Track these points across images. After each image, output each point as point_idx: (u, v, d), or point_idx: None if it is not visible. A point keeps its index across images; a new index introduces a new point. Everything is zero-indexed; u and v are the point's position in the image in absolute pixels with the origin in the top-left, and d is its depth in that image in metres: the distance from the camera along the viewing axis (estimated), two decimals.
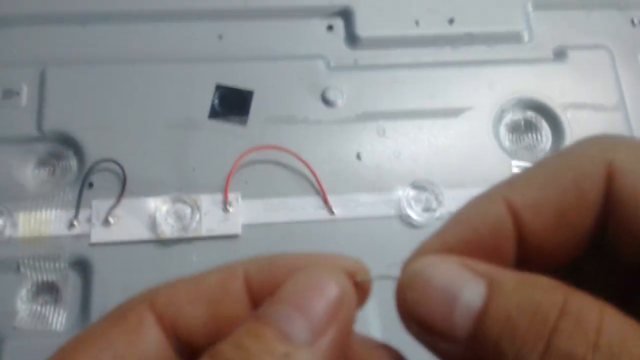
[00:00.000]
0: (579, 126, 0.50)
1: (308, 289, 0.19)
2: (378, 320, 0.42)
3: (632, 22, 0.54)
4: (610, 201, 0.19)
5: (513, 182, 0.20)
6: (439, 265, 0.18)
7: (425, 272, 0.18)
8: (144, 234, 0.43)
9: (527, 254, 0.20)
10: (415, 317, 0.18)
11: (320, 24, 0.52)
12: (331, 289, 0.18)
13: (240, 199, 0.45)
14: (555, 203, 0.19)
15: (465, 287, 0.18)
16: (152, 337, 0.19)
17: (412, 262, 0.20)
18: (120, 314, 0.20)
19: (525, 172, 0.20)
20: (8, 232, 0.42)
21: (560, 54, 0.52)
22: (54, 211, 0.43)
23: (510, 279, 0.17)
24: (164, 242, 0.43)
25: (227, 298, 0.20)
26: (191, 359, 0.20)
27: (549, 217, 0.19)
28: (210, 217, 0.44)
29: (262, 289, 0.20)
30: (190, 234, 0.43)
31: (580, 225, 0.19)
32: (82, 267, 0.42)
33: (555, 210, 0.19)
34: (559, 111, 0.50)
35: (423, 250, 0.20)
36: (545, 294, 0.17)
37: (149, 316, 0.19)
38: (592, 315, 0.16)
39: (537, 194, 0.20)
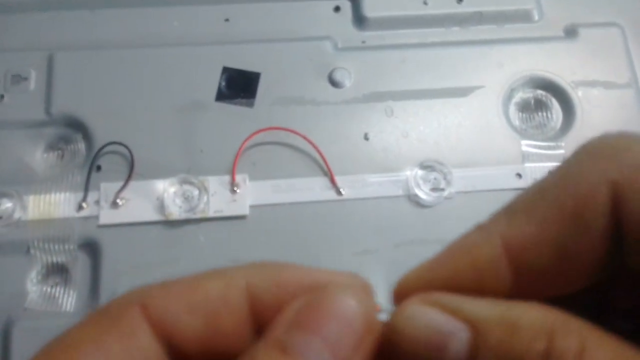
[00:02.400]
0: (589, 104, 0.49)
1: (335, 318, 0.17)
2: None
3: None
4: (620, 225, 0.18)
5: (511, 214, 0.19)
6: (422, 316, 0.18)
7: (408, 328, 0.18)
8: (152, 215, 0.43)
9: (526, 288, 0.19)
10: None
11: (327, 5, 0.52)
12: (358, 319, 0.17)
13: (247, 180, 0.45)
14: (556, 239, 0.18)
15: (450, 339, 0.17)
16: (147, 345, 0.18)
17: (396, 302, 0.19)
18: (112, 318, 0.18)
19: (524, 199, 0.19)
20: (18, 214, 0.42)
21: (571, 32, 0.52)
22: (62, 194, 0.43)
23: (496, 325, 0.17)
24: (171, 224, 0.43)
25: (226, 309, 0.19)
26: None
27: (549, 254, 0.18)
28: (218, 198, 0.44)
29: (266, 302, 0.19)
30: (198, 215, 0.43)
31: (585, 257, 0.18)
32: (91, 248, 0.43)
33: (555, 247, 0.18)
34: (569, 89, 0.49)
35: (404, 284, 0.20)
36: (527, 342, 0.16)
37: (143, 322, 0.18)
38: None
39: (536, 230, 0.18)
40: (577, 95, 0.49)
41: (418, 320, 0.18)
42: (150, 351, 0.18)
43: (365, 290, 0.19)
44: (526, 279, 0.19)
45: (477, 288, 0.19)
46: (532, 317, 0.16)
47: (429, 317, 0.17)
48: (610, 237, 0.18)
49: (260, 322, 0.19)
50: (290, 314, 0.17)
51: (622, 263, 0.18)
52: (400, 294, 0.19)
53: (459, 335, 0.17)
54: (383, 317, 0.19)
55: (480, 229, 0.20)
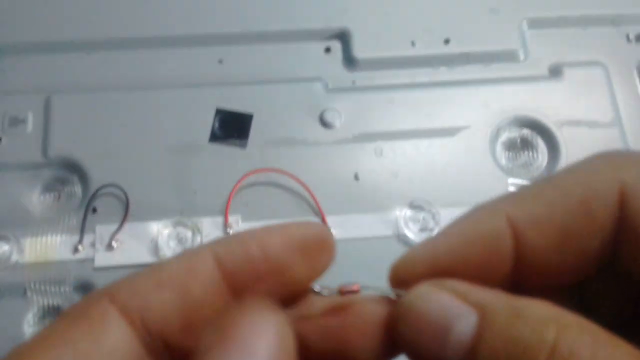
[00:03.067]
0: (574, 143, 0.50)
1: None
2: None
3: (628, 37, 0.55)
4: (622, 223, 0.18)
5: (518, 196, 0.20)
6: (432, 297, 0.18)
7: (418, 305, 0.18)
8: (146, 257, 0.44)
9: (527, 272, 0.19)
10: (409, 349, 0.19)
11: (319, 47, 0.53)
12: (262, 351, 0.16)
13: (240, 222, 0.46)
14: (561, 222, 0.19)
15: (457, 320, 0.17)
16: (118, 334, 0.18)
17: (396, 279, 0.20)
18: (80, 312, 0.18)
19: (532, 186, 0.20)
20: (15, 257, 0.43)
21: (555, 72, 0.53)
22: (59, 236, 0.44)
23: (503, 310, 0.17)
24: None
25: (195, 281, 0.19)
26: (167, 356, 0.19)
27: (553, 236, 0.19)
28: (211, 239, 0.45)
29: (237, 269, 0.19)
30: None
31: (587, 247, 0.19)
32: (87, 290, 0.44)
33: (560, 230, 0.19)
34: (554, 128, 0.50)
35: (410, 259, 0.20)
36: (535, 330, 0.16)
37: (111, 311, 0.18)
38: (584, 352, 0.16)
39: (542, 210, 0.19)
40: (562, 134, 0.50)
41: (428, 300, 0.18)
42: (123, 340, 0.18)
43: (321, 232, 0.20)
44: (528, 261, 0.19)
45: (480, 264, 0.19)
46: (541, 308, 0.17)
47: (440, 297, 0.18)
48: (612, 231, 0.19)
49: (235, 287, 0.19)
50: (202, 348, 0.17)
51: (612, 263, 0.19)
52: (405, 270, 0.20)
53: (466, 317, 0.17)
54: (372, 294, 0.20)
55: (483, 207, 0.20)
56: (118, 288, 0.19)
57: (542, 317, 0.17)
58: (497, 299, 0.18)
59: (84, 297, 0.19)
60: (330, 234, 0.21)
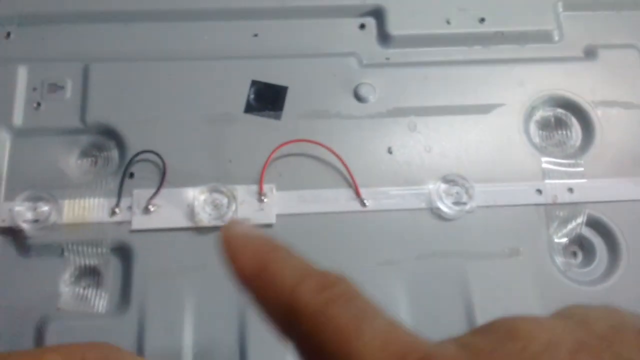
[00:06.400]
0: (608, 123, 0.50)
1: None
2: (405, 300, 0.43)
3: None
4: None
5: None
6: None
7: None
8: (182, 222, 0.44)
9: None
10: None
11: (353, 23, 0.54)
12: None
13: (274, 190, 0.46)
14: None
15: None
16: None
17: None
18: None
19: None
20: (53, 218, 0.44)
21: (590, 53, 0.53)
22: (96, 199, 0.45)
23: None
24: (201, 230, 0.44)
25: None
26: None
27: None
28: (246, 207, 0.45)
29: None
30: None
31: None
32: (123, 252, 0.44)
33: None
34: (589, 108, 0.50)
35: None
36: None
37: None
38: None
39: None
40: (597, 115, 0.50)
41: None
42: None
43: None
44: None
45: None
46: None
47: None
48: None
49: None
50: None
51: None
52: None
53: None
54: None
55: None
56: None
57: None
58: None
59: None
60: None
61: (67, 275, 0.43)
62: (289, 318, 0.19)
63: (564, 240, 0.46)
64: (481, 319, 0.43)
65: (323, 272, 0.20)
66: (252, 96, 0.50)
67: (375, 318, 0.18)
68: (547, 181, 0.47)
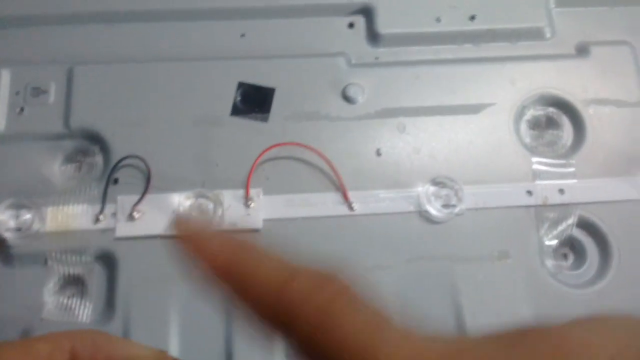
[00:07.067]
0: (600, 122, 0.49)
1: None
2: None
3: None
4: None
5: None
6: None
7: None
8: (167, 228, 0.44)
9: None
10: None
11: (342, 22, 0.53)
12: None
13: (261, 195, 0.45)
14: None
15: None
16: None
17: None
18: None
19: None
20: (36, 226, 0.43)
21: (582, 50, 0.52)
22: (80, 206, 0.44)
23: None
24: None
25: None
26: None
27: None
28: (232, 212, 0.45)
29: None
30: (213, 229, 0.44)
31: None
32: (108, 260, 0.44)
33: None
34: (580, 107, 0.50)
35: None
36: None
37: None
38: None
39: None
40: (588, 113, 0.50)
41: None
42: None
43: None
44: None
45: None
46: None
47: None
48: None
49: None
50: None
51: None
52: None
53: None
54: None
55: None
56: None
57: None
58: None
59: None
60: None
61: (51, 285, 0.43)
62: (280, 318, 0.18)
63: (555, 242, 0.46)
64: (470, 323, 0.43)
65: (313, 269, 0.19)
66: (238, 98, 0.49)
67: (387, 322, 0.17)
68: (537, 182, 0.47)
